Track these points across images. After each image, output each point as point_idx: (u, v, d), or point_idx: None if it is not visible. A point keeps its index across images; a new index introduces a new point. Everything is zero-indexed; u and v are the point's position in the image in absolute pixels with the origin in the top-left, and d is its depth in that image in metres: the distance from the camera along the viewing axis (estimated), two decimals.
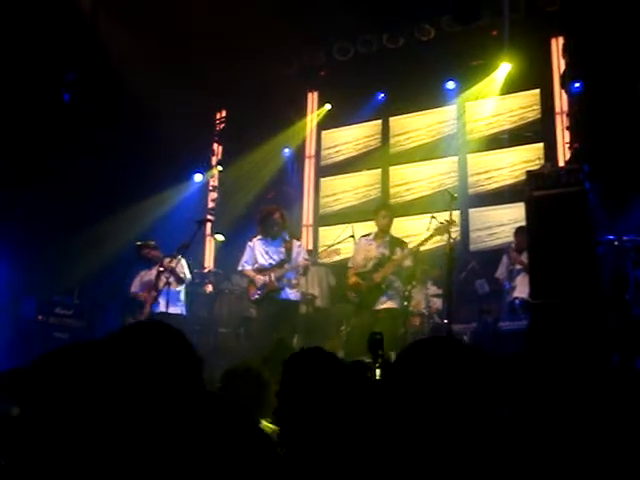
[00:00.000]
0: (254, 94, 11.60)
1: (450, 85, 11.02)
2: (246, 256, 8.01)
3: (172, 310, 8.25)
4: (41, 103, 9.53)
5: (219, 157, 12.69)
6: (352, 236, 8.34)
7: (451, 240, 6.94)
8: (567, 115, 9.85)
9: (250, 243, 8.03)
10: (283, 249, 7.85)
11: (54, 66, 9.62)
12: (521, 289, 7.83)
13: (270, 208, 8.12)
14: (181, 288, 8.54)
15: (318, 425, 2.26)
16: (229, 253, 10.24)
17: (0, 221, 9.25)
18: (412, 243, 8.15)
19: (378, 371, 3.93)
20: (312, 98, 12.38)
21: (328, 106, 12.02)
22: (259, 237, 7.99)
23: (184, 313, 8.61)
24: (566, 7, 9.50)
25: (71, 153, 9.79)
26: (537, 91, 10.52)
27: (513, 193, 9.77)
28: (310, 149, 12.36)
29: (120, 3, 9.75)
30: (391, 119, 11.72)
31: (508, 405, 1.84)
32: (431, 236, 7.58)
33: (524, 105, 10.59)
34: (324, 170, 12.24)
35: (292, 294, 7.87)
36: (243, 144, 11.89)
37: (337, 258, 8.38)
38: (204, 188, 12.48)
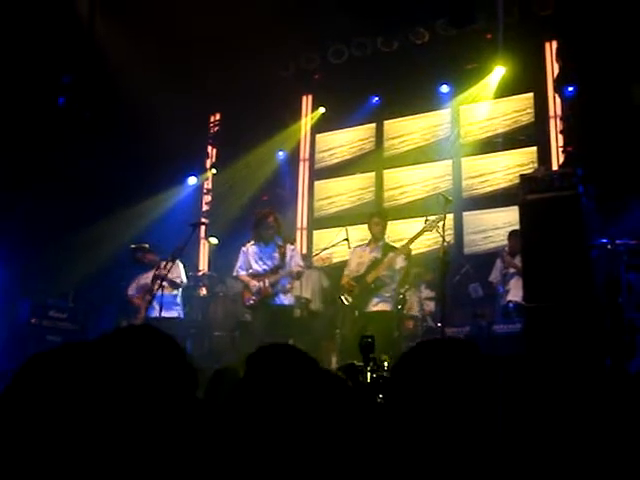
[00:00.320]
0: (248, 97, 11.61)
1: (444, 89, 11.03)
2: (240, 261, 8.02)
3: (168, 314, 8.24)
4: (37, 106, 9.52)
5: (213, 160, 12.69)
6: (346, 239, 8.35)
7: (445, 244, 6.96)
8: (561, 119, 9.88)
9: (244, 248, 8.04)
10: (277, 254, 7.86)
11: (50, 69, 9.61)
12: (515, 292, 7.84)
13: (264, 212, 8.13)
14: (177, 292, 8.53)
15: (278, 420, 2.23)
16: (223, 256, 10.24)
17: None
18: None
19: (369, 374, 3.94)
20: (306, 101, 12.39)
21: (322, 109, 12.03)
22: (252, 242, 8.00)
23: (181, 317, 8.61)
24: (560, 11, 9.52)
25: (66, 156, 9.77)
26: (531, 95, 10.54)
27: (507, 196, 9.77)
28: (304, 152, 12.36)
29: (116, 6, 9.75)
30: (385, 122, 11.73)
31: (503, 406, 1.85)
32: (420, 233, 7.63)
33: (518, 109, 10.61)
34: (318, 173, 12.25)
35: (286, 299, 7.89)
36: (237, 147, 11.89)
37: (330, 263, 8.39)
38: (198, 191, 12.48)
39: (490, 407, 1.77)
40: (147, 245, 8.57)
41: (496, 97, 10.67)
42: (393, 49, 10.86)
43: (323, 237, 11.02)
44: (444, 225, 7.00)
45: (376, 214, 8.44)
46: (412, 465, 1.72)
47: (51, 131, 9.72)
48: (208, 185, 12.64)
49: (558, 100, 10.05)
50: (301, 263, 8.08)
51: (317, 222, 11.92)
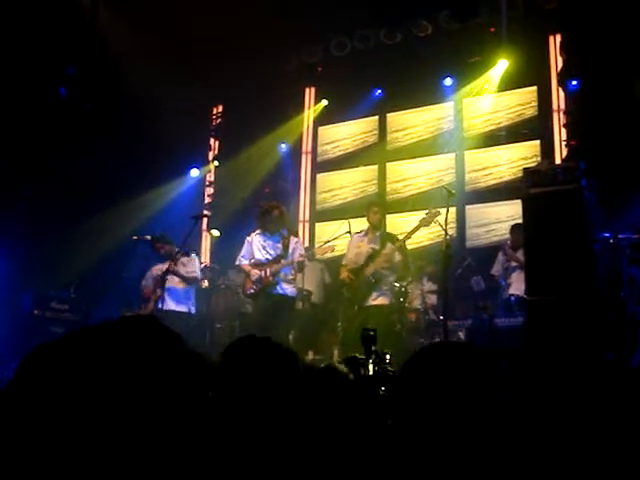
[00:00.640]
0: (251, 89, 11.59)
1: (447, 82, 11.01)
2: (243, 250, 8.02)
3: (178, 308, 8.30)
4: (40, 97, 9.52)
5: (216, 152, 12.69)
6: (349, 232, 8.35)
7: (447, 237, 6.95)
8: (564, 112, 9.86)
9: (249, 238, 8.04)
10: (280, 245, 7.86)
11: (53, 59, 9.60)
12: (517, 286, 7.84)
13: (270, 205, 8.10)
14: (190, 286, 8.52)
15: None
16: (225, 248, 10.25)
17: None
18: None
19: (371, 367, 3.95)
20: (309, 93, 12.37)
21: (325, 102, 12.02)
22: (258, 232, 8.00)
23: (191, 311, 8.59)
24: (564, 5, 9.50)
25: (68, 148, 9.77)
26: (534, 88, 10.51)
27: (510, 190, 9.77)
28: (307, 145, 12.35)
29: None
30: (388, 115, 11.71)
31: (507, 400, 1.85)
32: (417, 227, 7.64)
33: (521, 102, 10.59)
34: (321, 166, 12.24)
35: (288, 289, 7.87)
36: (240, 139, 11.89)
37: (332, 254, 8.37)
38: (200, 183, 12.48)
39: (496, 400, 1.77)
40: (167, 236, 8.53)
41: (499, 90, 10.65)
42: (396, 42, 10.83)
43: (325, 230, 11.03)
44: (447, 218, 6.99)
45: (375, 203, 8.42)
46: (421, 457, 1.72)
47: (53, 123, 9.72)
48: (210, 177, 12.64)
49: (562, 94, 10.04)
50: (304, 254, 8.08)
51: (319, 215, 11.92)
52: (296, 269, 7.94)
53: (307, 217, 12.00)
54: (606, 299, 5.81)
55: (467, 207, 10.57)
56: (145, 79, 9.82)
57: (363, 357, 3.96)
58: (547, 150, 10.03)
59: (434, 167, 11.09)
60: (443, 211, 7.14)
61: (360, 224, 8.77)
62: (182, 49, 10.36)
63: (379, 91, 11.59)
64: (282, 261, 7.76)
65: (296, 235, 8.81)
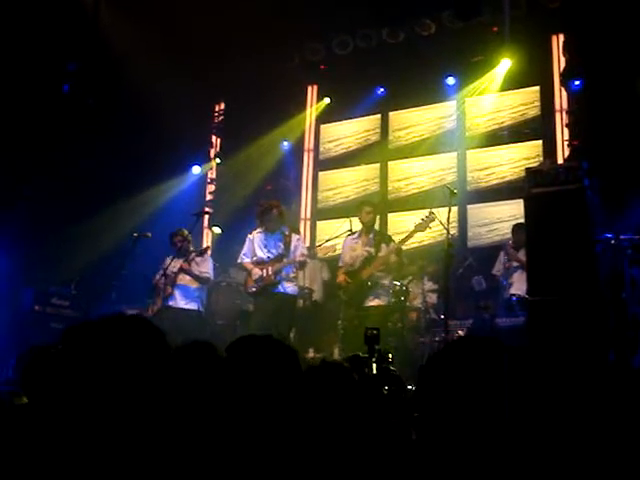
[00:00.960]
0: (253, 87, 11.58)
1: (450, 81, 10.98)
2: (245, 248, 8.03)
3: (187, 306, 8.34)
4: (41, 94, 9.52)
5: (217, 149, 12.68)
6: (350, 230, 8.35)
7: (449, 236, 6.95)
8: (567, 113, 9.85)
9: (250, 236, 8.04)
10: (282, 243, 7.85)
11: (55, 56, 9.60)
12: (518, 286, 7.84)
13: (269, 203, 8.10)
14: (201, 286, 8.53)
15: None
16: (226, 246, 10.24)
17: None
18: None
19: (374, 366, 3.95)
20: (311, 92, 12.35)
21: (327, 100, 12.00)
22: (259, 230, 8.00)
23: (200, 309, 8.59)
24: (567, 4, 9.49)
25: (69, 145, 9.78)
26: (537, 88, 10.50)
27: (512, 189, 9.76)
28: (309, 143, 12.34)
29: None
30: (391, 114, 11.69)
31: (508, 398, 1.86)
32: (413, 232, 7.67)
33: (524, 102, 10.57)
34: (323, 164, 12.23)
35: (289, 288, 7.86)
36: (242, 137, 11.87)
37: (333, 254, 8.38)
38: (202, 180, 12.47)
39: (498, 397, 1.77)
40: (187, 232, 8.55)
41: (502, 90, 10.63)
42: (399, 40, 10.82)
43: (327, 228, 11.02)
44: (448, 218, 6.99)
45: (367, 203, 8.41)
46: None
47: (55, 120, 9.72)
48: (212, 175, 12.63)
49: (564, 94, 10.03)
50: (305, 253, 8.07)
51: (321, 213, 11.91)
52: (297, 268, 7.95)
53: (309, 215, 11.99)
54: (608, 300, 5.81)
55: (469, 206, 10.56)
56: (147, 76, 9.81)
57: (366, 356, 3.96)
58: (549, 150, 10.02)
59: (436, 166, 11.08)
60: (441, 213, 7.16)
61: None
62: (184, 46, 10.35)
63: (382, 89, 11.56)
64: (284, 260, 7.76)
65: (298, 232, 8.81)
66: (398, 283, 8.03)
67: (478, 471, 1.74)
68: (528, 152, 10.31)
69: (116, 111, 10.31)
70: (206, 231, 11.94)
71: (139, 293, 8.91)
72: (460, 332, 8.13)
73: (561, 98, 10.13)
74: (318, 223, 11.83)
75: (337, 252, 8.33)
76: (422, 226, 7.59)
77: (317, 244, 10.06)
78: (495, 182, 10.55)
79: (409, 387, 4.37)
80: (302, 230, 11.45)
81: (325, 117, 12.21)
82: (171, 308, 8.22)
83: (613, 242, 6.24)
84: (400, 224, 10.11)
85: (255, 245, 7.95)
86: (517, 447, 1.92)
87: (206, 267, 8.48)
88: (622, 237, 6.27)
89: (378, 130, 11.80)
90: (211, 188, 12.51)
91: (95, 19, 9.74)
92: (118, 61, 9.98)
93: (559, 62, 10.11)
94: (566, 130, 9.75)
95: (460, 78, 10.91)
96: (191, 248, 8.43)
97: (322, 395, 2.43)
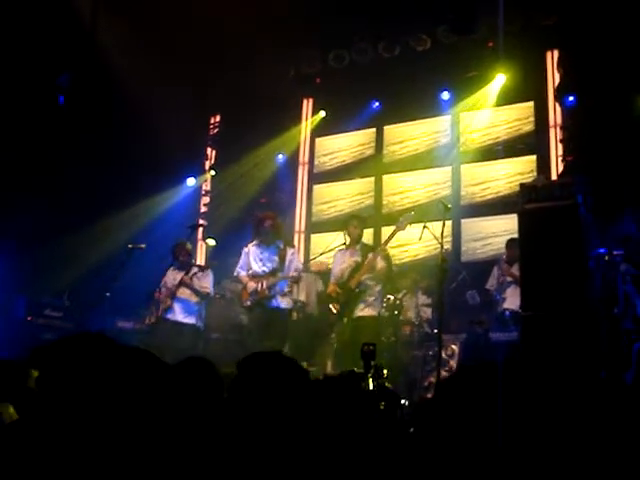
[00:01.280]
0: (249, 99, 11.59)
1: (445, 95, 11.03)
2: (241, 261, 8.05)
3: (184, 320, 8.27)
4: (36, 105, 9.51)
5: (212, 161, 12.68)
6: (344, 244, 8.35)
7: (443, 250, 6.96)
8: (561, 128, 9.90)
9: (245, 249, 8.06)
10: (276, 257, 7.85)
11: (50, 68, 9.61)
12: (511, 300, 7.85)
13: (264, 215, 8.12)
14: (201, 300, 8.47)
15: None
16: (221, 258, 10.23)
17: None
18: (405, 252, 8.15)
19: (371, 381, 3.95)
20: (307, 105, 12.38)
21: (323, 113, 12.03)
22: (254, 242, 8.01)
23: (197, 324, 8.53)
24: (562, 21, 9.55)
25: (64, 156, 9.77)
26: (531, 103, 10.54)
27: (506, 204, 9.77)
28: (304, 156, 12.36)
29: (118, 6, 9.75)
30: (385, 128, 11.72)
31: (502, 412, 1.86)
32: (393, 233, 7.73)
33: (518, 117, 10.61)
34: (317, 177, 12.24)
35: (283, 302, 7.87)
36: (237, 149, 11.87)
37: (326, 270, 8.40)
38: (197, 192, 12.46)
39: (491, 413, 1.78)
40: (190, 246, 8.56)
41: (497, 105, 10.66)
42: (394, 55, 10.87)
43: (321, 241, 11.00)
44: (442, 232, 7.01)
45: (354, 217, 8.42)
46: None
47: (49, 131, 9.71)
48: (207, 187, 12.63)
49: (559, 109, 10.07)
50: (300, 267, 8.09)
51: (315, 226, 11.91)
52: (292, 281, 7.96)
53: (303, 228, 11.99)
54: (600, 315, 5.82)
55: (463, 221, 10.57)
56: (143, 88, 9.82)
57: (361, 371, 3.96)
58: (543, 165, 10.05)
59: (431, 180, 11.10)
60: (435, 227, 7.19)
61: None
62: (180, 58, 10.37)
63: (377, 103, 11.60)
64: (278, 274, 7.77)
65: (292, 246, 8.81)
66: (392, 297, 8.03)
67: None
68: (522, 167, 10.34)
69: (111, 122, 10.31)
70: (200, 243, 11.92)
71: (133, 305, 8.89)
72: (454, 346, 8.13)
73: (555, 114, 10.17)
74: (312, 236, 11.82)
75: (330, 267, 8.34)
76: (400, 227, 7.65)
77: (311, 258, 10.06)
78: (489, 197, 10.58)
79: (403, 401, 4.37)
80: (296, 243, 11.45)
81: (320, 130, 12.22)
82: (169, 321, 8.18)
83: (606, 258, 6.26)
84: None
85: (250, 258, 7.96)
86: (512, 462, 1.93)
87: (207, 282, 8.44)
88: (615, 252, 6.30)
89: (373, 144, 11.83)
90: (206, 200, 12.50)
91: (92, 31, 9.75)
92: (114, 73, 9.99)
93: (553, 78, 10.16)
94: (560, 145, 9.80)
95: (455, 93, 10.95)
96: (192, 261, 8.41)
97: (329, 409, 2.44)
